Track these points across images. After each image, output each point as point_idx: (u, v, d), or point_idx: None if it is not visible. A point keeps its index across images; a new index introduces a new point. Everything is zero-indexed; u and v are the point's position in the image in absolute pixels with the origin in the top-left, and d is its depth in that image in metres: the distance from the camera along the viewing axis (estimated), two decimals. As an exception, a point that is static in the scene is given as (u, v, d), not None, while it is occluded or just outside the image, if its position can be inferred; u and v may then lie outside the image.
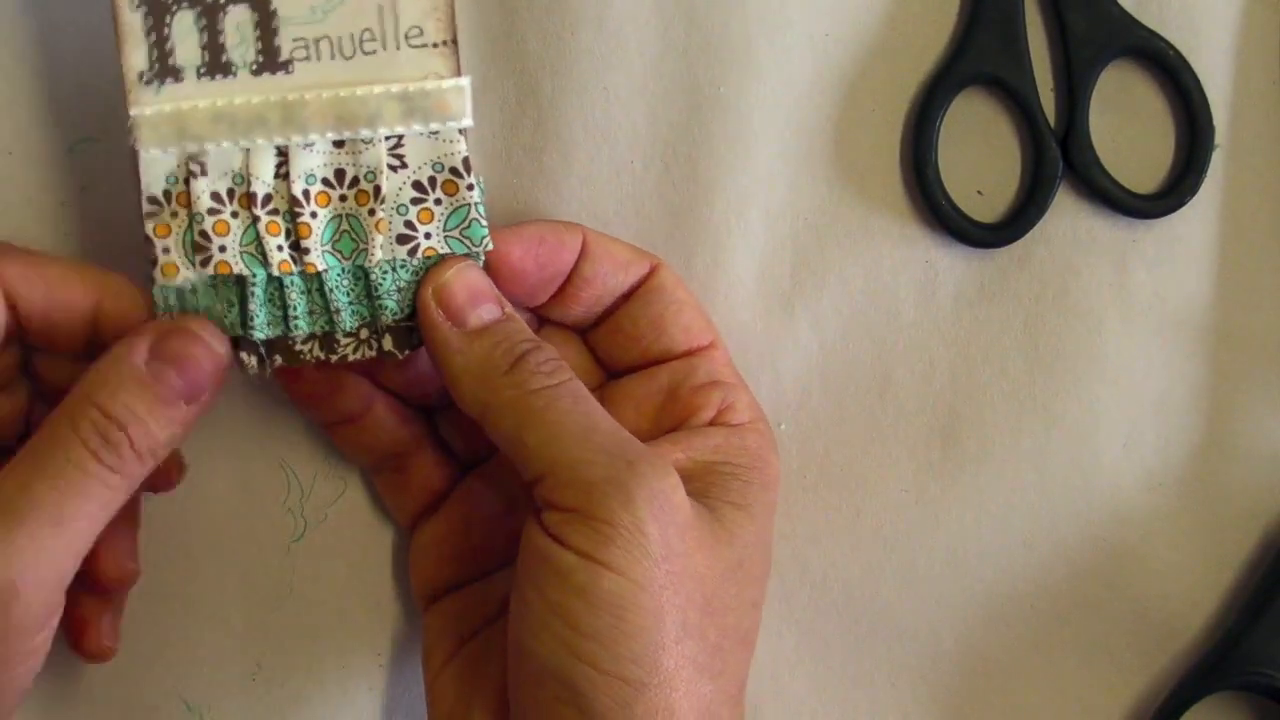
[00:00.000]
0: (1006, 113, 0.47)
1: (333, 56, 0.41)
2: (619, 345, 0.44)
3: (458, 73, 0.41)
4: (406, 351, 0.42)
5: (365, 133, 0.41)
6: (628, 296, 0.44)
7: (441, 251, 0.41)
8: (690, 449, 0.42)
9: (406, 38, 0.41)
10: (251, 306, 0.41)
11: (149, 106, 0.40)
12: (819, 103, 0.46)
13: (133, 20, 0.40)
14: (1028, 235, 0.47)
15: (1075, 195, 0.47)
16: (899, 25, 0.46)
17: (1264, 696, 0.47)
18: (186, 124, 0.40)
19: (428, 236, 0.41)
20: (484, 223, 0.42)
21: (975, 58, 0.46)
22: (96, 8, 0.43)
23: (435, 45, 0.41)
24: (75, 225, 0.44)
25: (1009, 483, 0.48)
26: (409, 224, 0.41)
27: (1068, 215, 0.47)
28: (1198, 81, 0.46)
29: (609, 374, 0.45)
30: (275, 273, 0.41)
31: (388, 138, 0.41)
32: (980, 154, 0.47)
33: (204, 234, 0.41)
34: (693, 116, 0.46)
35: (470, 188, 0.41)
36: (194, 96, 0.40)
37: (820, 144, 0.46)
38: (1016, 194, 0.47)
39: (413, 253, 0.41)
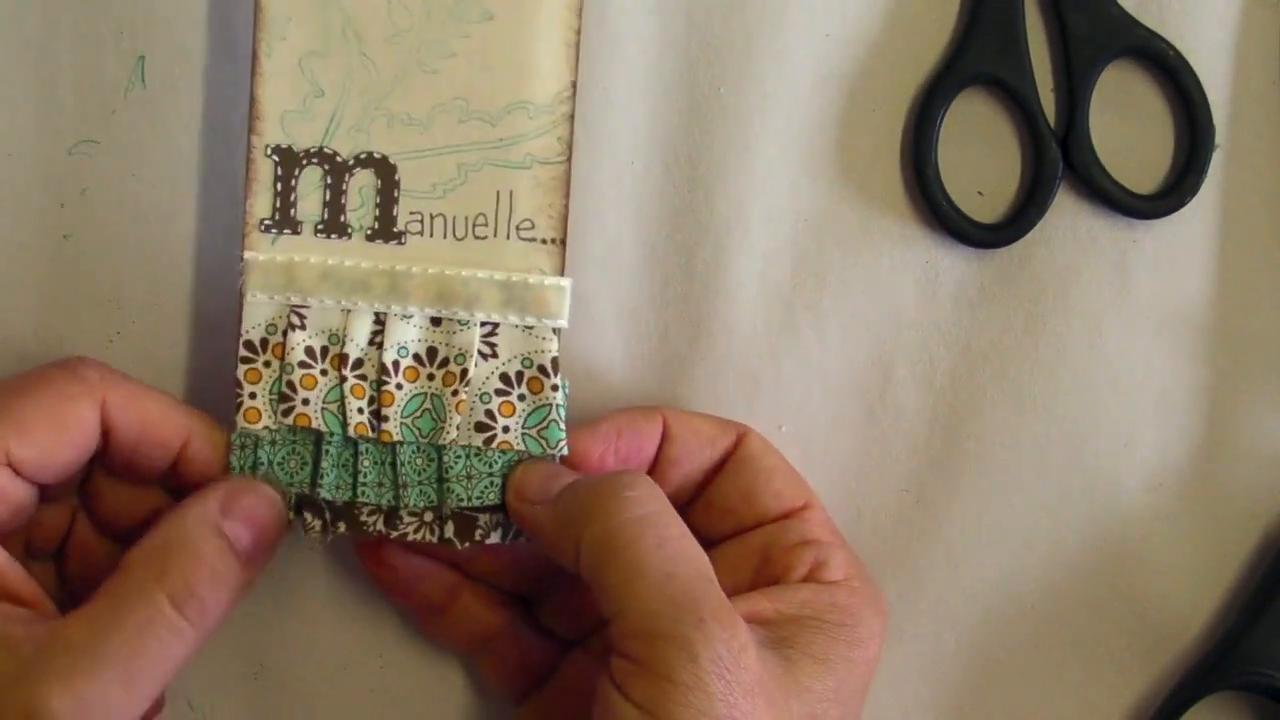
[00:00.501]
0: (1007, 113, 0.47)
1: (445, 235, 0.41)
2: (714, 518, 0.44)
3: (561, 272, 0.42)
4: (466, 544, 0.42)
5: (462, 314, 0.41)
6: (718, 469, 0.44)
7: (517, 447, 0.42)
8: (779, 601, 0.41)
9: (518, 229, 0.42)
10: (323, 465, 0.42)
11: (263, 254, 0.41)
12: (819, 103, 0.46)
13: (264, 167, 0.41)
14: (1028, 236, 0.47)
15: (1075, 195, 0.47)
16: (899, 26, 0.46)
17: (1264, 696, 0.47)
18: (295, 277, 0.41)
19: (506, 430, 0.42)
20: (562, 426, 0.42)
21: (975, 58, 0.46)
22: (96, 9, 0.43)
23: (544, 241, 0.42)
24: (75, 227, 0.44)
25: (1009, 483, 0.48)
26: (490, 414, 0.42)
27: (1068, 215, 0.47)
28: (1198, 82, 0.46)
29: (706, 543, 0.44)
30: (352, 434, 0.42)
31: (483, 324, 0.42)
32: (980, 154, 0.47)
33: (291, 385, 0.42)
34: (693, 117, 0.46)
35: (555, 388, 0.42)
36: (307, 251, 0.41)
37: (820, 144, 0.46)
38: (1016, 194, 0.47)
39: (488, 443, 0.42)
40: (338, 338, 0.42)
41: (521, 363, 0.42)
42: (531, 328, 0.42)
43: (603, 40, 0.45)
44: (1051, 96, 0.47)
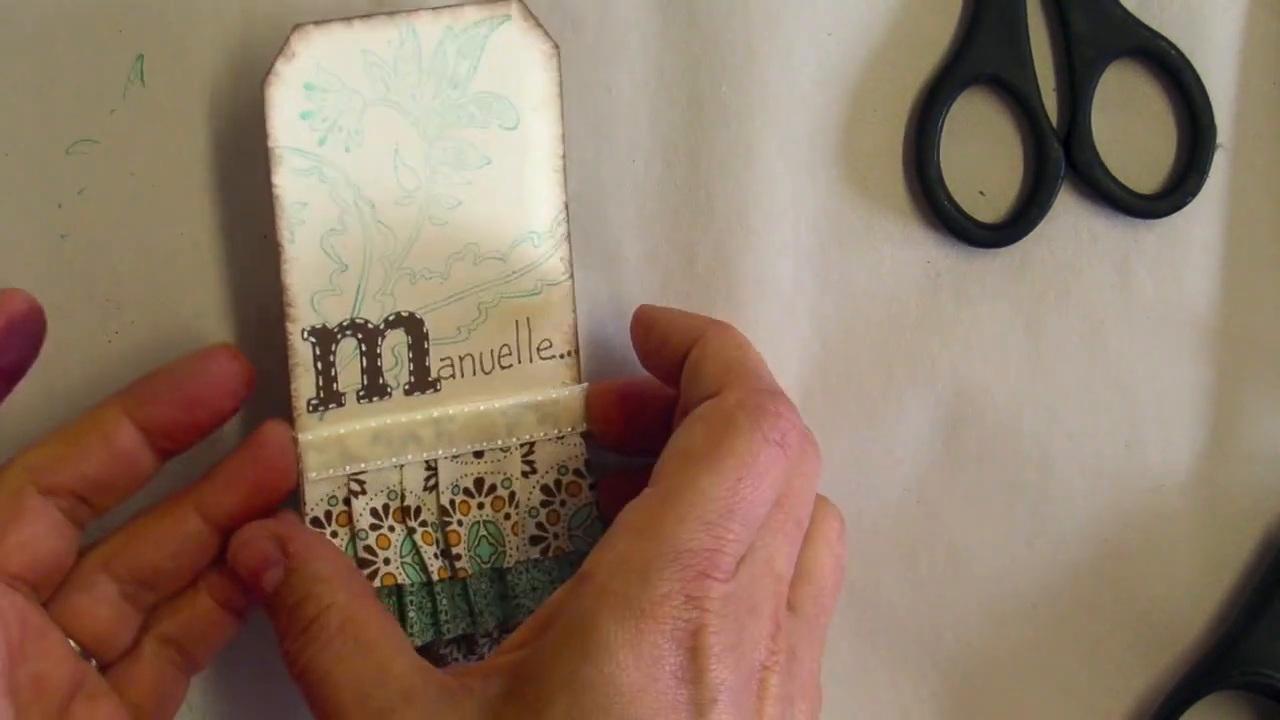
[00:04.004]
0: (1009, 112, 0.47)
1: (474, 373, 0.43)
2: None
3: (579, 380, 0.44)
4: None
5: (504, 442, 0.43)
6: None
7: (568, 550, 0.44)
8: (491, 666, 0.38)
9: (538, 350, 0.43)
10: (410, 615, 0.43)
11: (313, 433, 0.42)
12: (821, 102, 0.46)
13: (303, 350, 0.41)
14: (1029, 235, 0.46)
15: (1077, 195, 0.47)
16: (902, 24, 0.46)
17: (1264, 696, 0.48)
18: (348, 446, 0.42)
19: (556, 536, 0.44)
20: (601, 522, 0.44)
21: (978, 57, 0.46)
22: (95, 8, 0.43)
23: (562, 356, 0.44)
24: (73, 226, 0.44)
25: (1010, 482, 0.48)
26: (540, 525, 0.44)
27: (1070, 215, 0.47)
28: (1200, 81, 0.46)
29: None
30: (435, 579, 0.43)
31: (521, 445, 0.43)
32: (982, 154, 0.47)
33: (369, 549, 0.42)
34: (694, 116, 0.46)
35: (592, 487, 0.44)
36: (353, 419, 0.42)
37: (822, 144, 0.46)
38: (1018, 194, 0.47)
39: (544, 552, 0.44)
40: (396, 493, 0.43)
41: (559, 471, 0.44)
42: (563, 437, 0.44)
43: (604, 39, 0.45)
44: (1054, 96, 0.47)
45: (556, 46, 0.42)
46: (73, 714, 0.39)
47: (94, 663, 0.41)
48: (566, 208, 0.43)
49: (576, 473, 0.44)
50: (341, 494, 0.42)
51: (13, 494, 0.39)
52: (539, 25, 0.41)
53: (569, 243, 0.43)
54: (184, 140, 0.43)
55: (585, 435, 0.44)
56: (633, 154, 0.46)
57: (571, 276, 0.43)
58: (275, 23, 0.43)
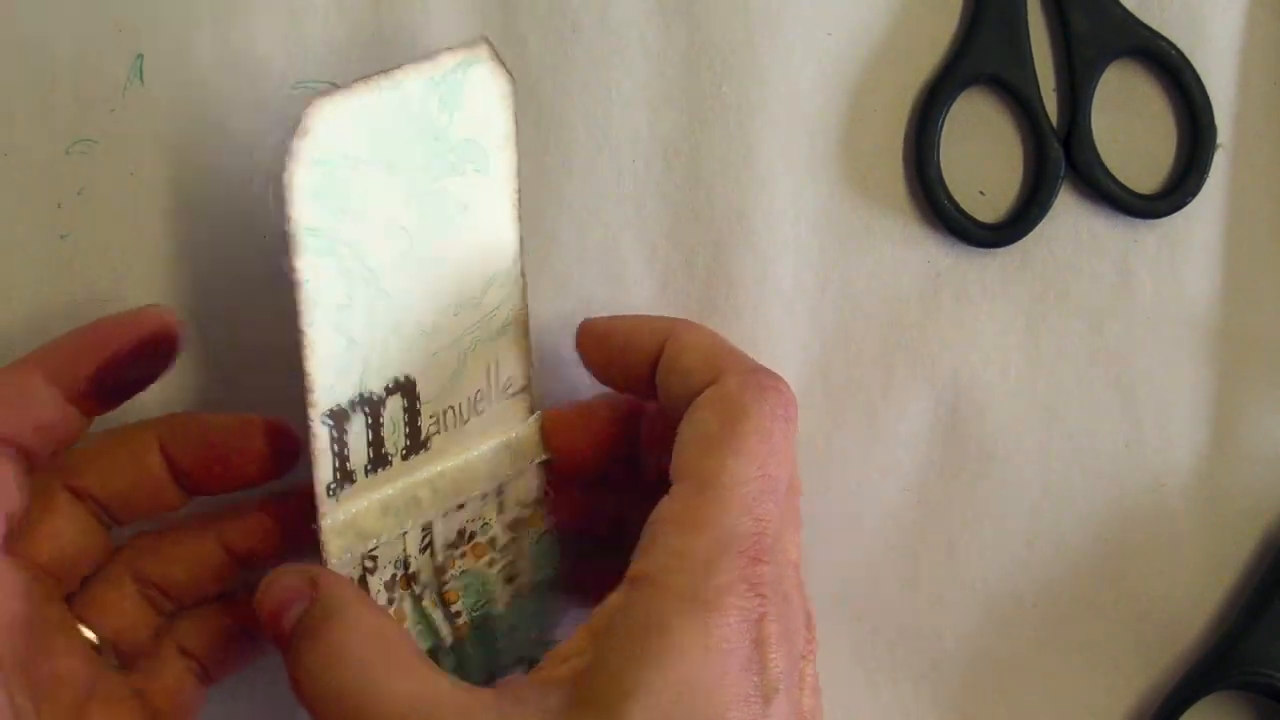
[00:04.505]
0: (1009, 112, 0.47)
1: (456, 425, 0.42)
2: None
3: (533, 411, 0.43)
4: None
5: (484, 489, 0.43)
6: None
7: (534, 579, 0.44)
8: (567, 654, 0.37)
9: (504, 390, 0.43)
10: None
11: (331, 517, 0.40)
12: (821, 102, 0.46)
13: (322, 434, 0.39)
14: (1030, 235, 0.46)
15: (1077, 195, 0.47)
16: (902, 25, 0.46)
17: (1264, 696, 0.47)
18: (361, 525, 0.41)
19: (523, 571, 0.44)
20: (558, 545, 0.44)
21: (978, 57, 0.46)
22: (95, 7, 0.43)
23: (519, 391, 0.43)
24: (72, 227, 0.44)
25: (1010, 483, 0.48)
26: (511, 563, 0.44)
27: (1070, 215, 0.47)
28: (1200, 81, 0.46)
29: None
30: (448, 643, 0.43)
31: (496, 488, 0.43)
32: (982, 154, 0.47)
33: None
34: (694, 116, 0.46)
35: (550, 514, 0.44)
36: (362, 495, 0.40)
37: (822, 144, 0.46)
38: (1018, 194, 0.47)
39: (520, 589, 0.44)
40: (401, 561, 0.42)
41: (519, 506, 0.44)
42: (523, 471, 0.43)
43: (604, 40, 0.45)
44: (1054, 96, 0.47)
45: (514, 81, 0.41)
46: (89, 715, 0.39)
47: (115, 662, 0.41)
48: (521, 241, 0.42)
49: (536, 503, 0.44)
50: (357, 574, 0.41)
51: (44, 488, 0.40)
52: (501, 63, 0.40)
53: (524, 277, 0.42)
54: (183, 139, 0.43)
55: (545, 464, 0.43)
56: (633, 154, 0.46)
57: (525, 306, 0.42)
58: (276, 21, 0.43)
